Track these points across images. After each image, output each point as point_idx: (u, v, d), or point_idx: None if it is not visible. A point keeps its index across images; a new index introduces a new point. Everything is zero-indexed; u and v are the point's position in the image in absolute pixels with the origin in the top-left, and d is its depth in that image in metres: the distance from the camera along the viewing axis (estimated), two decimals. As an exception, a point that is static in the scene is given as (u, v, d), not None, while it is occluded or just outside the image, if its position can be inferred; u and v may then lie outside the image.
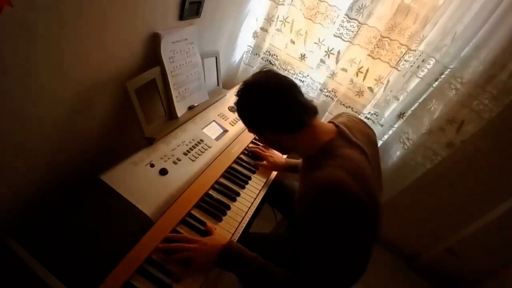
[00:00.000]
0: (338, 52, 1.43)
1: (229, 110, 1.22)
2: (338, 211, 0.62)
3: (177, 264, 0.70)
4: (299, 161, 1.14)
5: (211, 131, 1.07)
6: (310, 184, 0.67)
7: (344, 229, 0.62)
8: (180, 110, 1.00)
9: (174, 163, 0.88)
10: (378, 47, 1.39)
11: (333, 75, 1.47)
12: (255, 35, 1.53)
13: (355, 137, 0.76)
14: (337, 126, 0.78)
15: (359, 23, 1.32)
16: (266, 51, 1.58)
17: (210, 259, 0.71)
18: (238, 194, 0.95)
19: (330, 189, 0.63)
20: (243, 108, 0.80)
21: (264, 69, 0.85)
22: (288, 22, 1.52)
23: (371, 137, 0.85)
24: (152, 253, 0.70)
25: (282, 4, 1.40)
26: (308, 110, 0.76)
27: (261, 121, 0.78)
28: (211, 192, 0.92)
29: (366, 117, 1.51)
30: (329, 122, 0.82)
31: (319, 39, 1.47)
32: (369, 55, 1.42)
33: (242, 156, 1.11)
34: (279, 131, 0.77)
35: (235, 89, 0.86)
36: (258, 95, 0.76)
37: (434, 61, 1.28)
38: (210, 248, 0.72)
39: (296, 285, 0.66)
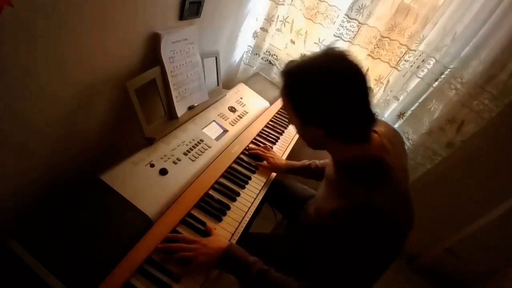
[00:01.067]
0: (338, 52, 1.42)
1: (229, 110, 1.22)
2: (376, 239, 0.59)
3: (177, 264, 0.70)
4: (300, 163, 1.14)
5: (211, 131, 1.07)
6: (353, 201, 0.62)
7: (373, 256, 0.61)
8: (180, 110, 1.00)
9: (174, 163, 0.88)
10: (378, 47, 1.39)
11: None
12: (255, 35, 1.53)
13: (398, 153, 0.72)
14: (381, 140, 0.70)
15: (359, 23, 1.32)
16: (266, 51, 1.58)
17: (209, 260, 0.70)
18: (238, 194, 0.95)
19: (377, 217, 0.59)
20: (313, 90, 0.62)
21: (338, 50, 0.65)
22: (288, 22, 1.52)
23: (403, 146, 0.81)
24: (152, 253, 0.70)
25: (282, 4, 1.40)
26: (372, 121, 0.65)
27: (324, 120, 0.64)
28: (211, 192, 0.92)
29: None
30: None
31: (319, 39, 1.47)
32: (369, 55, 1.42)
33: (242, 156, 1.11)
34: (336, 137, 0.66)
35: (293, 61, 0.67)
36: (343, 91, 0.61)
37: (434, 61, 1.28)
38: (210, 249, 0.71)
39: None
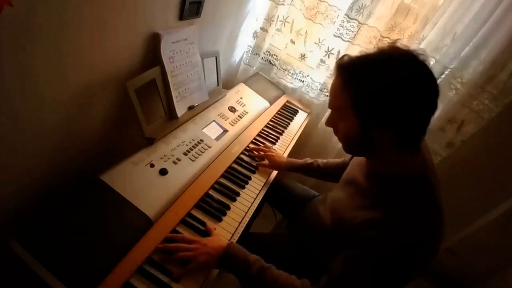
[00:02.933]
0: (338, 52, 1.43)
1: (229, 110, 1.22)
2: (410, 258, 0.58)
3: (177, 264, 0.69)
4: (302, 161, 1.13)
5: (211, 131, 1.07)
6: (394, 220, 0.59)
7: (398, 274, 0.59)
8: (180, 110, 1.00)
9: (174, 163, 0.88)
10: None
11: (333, 75, 1.47)
12: (255, 35, 1.53)
13: (432, 162, 0.70)
14: (423, 155, 0.67)
15: (359, 23, 1.32)
16: (266, 51, 1.58)
17: (210, 260, 0.70)
18: (238, 194, 0.95)
19: (420, 239, 0.58)
20: (385, 88, 0.56)
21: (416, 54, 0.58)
22: (288, 22, 1.52)
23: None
24: (152, 253, 0.69)
25: (282, 4, 1.40)
26: (426, 130, 0.61)
27: (394, 121, 0.58)
28: (211, 192, 0.92)
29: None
30: None
31: (319, 39, 1.47)
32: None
33: (242, 156, 1.11)
34: (399, 143, 0.60)
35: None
36: (418, 90, 0.56)
37: (434, 61, 1.28)
38: (210, 249, 0.71)
39: None
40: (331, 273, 0.64)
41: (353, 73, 0.61)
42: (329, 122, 0.71)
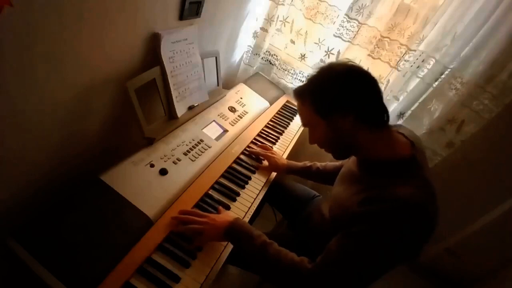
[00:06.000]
0: (338, 52, 1.43)
1: (229, 110, 1.22)
2: (405, 232, 0.60)
3: (177, 265, 0.70)
4: (301, 164, 1.14)
5: (211, 131, 1.07)
6: (387, 194, 0.63)
7: (394, 249, 0.61)
8: (180, 110, 1.00)
9: (174, 163, 0.88)
10: (378, 47, 1.39)
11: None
12: (255, 35, 1.53)
13: (424, 154, 0.75)
14: (411, 142, 0.73)
15: (359, 23, 1.32)
16: (266, 51, 1.58)
17: (218, 232, 0.74)
18: (238, 194, 0.95)
19: (414, 209, 0.60)
20: (330, 85, 0.70)
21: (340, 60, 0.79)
22: (288, 22, 1.52)
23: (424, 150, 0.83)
24: (152, 253, 0.70)
25: (282, 4, 1.40)
26: (386, 110, 0.72)
27: (349, 103, 0.69)
28: (211, 192, 0.92)
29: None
30: (398, 133, 0.76)
31: (319, 39, 1.47)
32: (369, 55, 1.42)
33: (242, 156, 1.11)
34: (363, 121, 0.69)
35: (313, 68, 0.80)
36: (356, 77, 0.70)
37: (434, 61, 1.28)
38: (218, 222, 0.75)
39: (301, 265, 0.67)
40: (327, 250, 0.66)
41: (304, 91, 0.75)
42: (310, 140, 0.80)
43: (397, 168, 0.68)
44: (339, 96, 0.69)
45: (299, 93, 0.77)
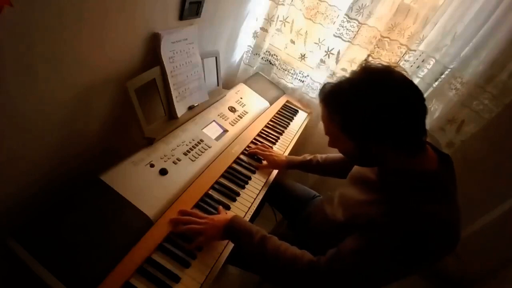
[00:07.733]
0: (338, 52, 1.43)
1: (229, 110, 1.22)
2: (430, 249, 0.57)
3: (177, 265, 0.70)
4: (301, 157, 1.13)
5: (211, 131, 1.07)
6: (414, 209, 0.59)
7: (412, 264, 0.59)
8: (180, 110, 1.00)
9: (174, 163, 0.88)
10: (378, 47, 1.39)
11: (333, 75, 1.47)
12: (255, 35, 1.53)
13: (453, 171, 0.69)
14: (438, 153, 0.67)
15: (359, 23, 1.32)
16: (266, 51, 1.58)
17: (217, 232, 0.74)
18: (238, 194, 0.95)
19: (441, 227, 0.57)
20: (367, 106, 0.58)
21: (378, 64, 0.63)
22: (288, 22, 1.52)
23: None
24: (152, 253, 0.70)
25: (282, 4, 1.40)
26: (425, 130, 0.62)
27: (388, 134, 0.59)
28: (211, 192, 0.92)
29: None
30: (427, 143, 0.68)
31: (319, 39, 1.47)
32: (369, 55, 1.42)
33: (242, 156, 1.11)
34: (401, 148, 0.61)
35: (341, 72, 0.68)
36: (402, 98, 0.58)
37: (434, 61, 1.28)
38: (217, 222, 0.75)
39: (303, 259, 0.66)
40: (338, 250, 0.64)
41: (336, 103, 0.64)
42: (329, 144, 0.74)
43: (418, 181, 0.63)
44: (378, 127, 0.58)
45: (327, 101, 0.66)
